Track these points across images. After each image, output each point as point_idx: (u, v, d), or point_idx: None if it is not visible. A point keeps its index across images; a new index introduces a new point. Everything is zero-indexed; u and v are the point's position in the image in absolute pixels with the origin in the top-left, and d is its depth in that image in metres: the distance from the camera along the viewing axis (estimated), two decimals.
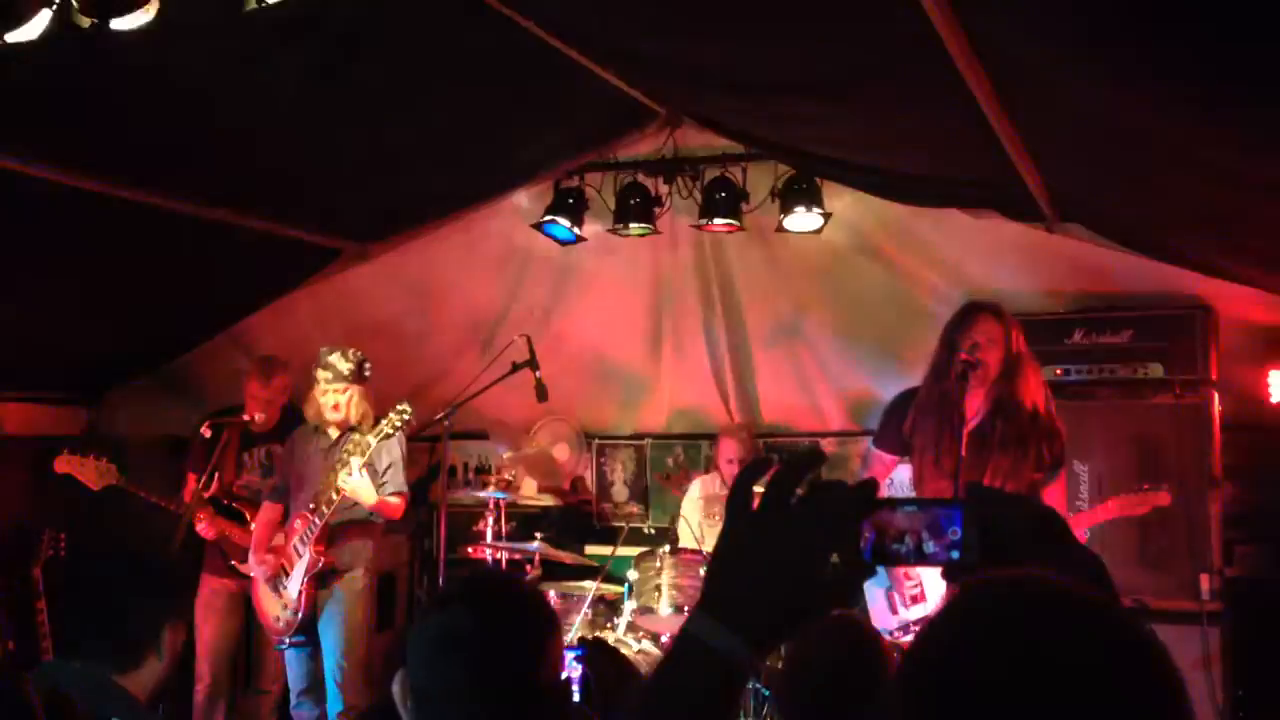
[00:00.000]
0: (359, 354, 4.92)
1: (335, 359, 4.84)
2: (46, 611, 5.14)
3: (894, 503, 1.05)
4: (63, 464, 5.05)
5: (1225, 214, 3.85)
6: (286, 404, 5.41)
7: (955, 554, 1.03)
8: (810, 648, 2.39)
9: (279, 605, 4.78)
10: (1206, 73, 2.62)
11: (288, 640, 4.82)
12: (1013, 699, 0.81)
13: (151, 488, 5.16)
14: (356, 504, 4.74)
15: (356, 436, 4.77)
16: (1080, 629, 0.85)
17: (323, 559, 4.71)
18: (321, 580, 4.76)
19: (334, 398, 4.85)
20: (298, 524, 4.75)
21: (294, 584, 4.73)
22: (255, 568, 4.88)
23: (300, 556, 4.71)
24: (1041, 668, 0.82)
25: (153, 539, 4.82)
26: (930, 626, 0.93)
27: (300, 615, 4.72)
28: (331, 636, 4.79)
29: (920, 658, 0.91)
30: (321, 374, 4.86)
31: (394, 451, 4.89)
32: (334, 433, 4.91)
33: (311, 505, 4.70)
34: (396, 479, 4.92)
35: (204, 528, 5.15)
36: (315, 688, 4.95)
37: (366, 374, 4.93)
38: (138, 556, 2.50)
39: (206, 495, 5.04)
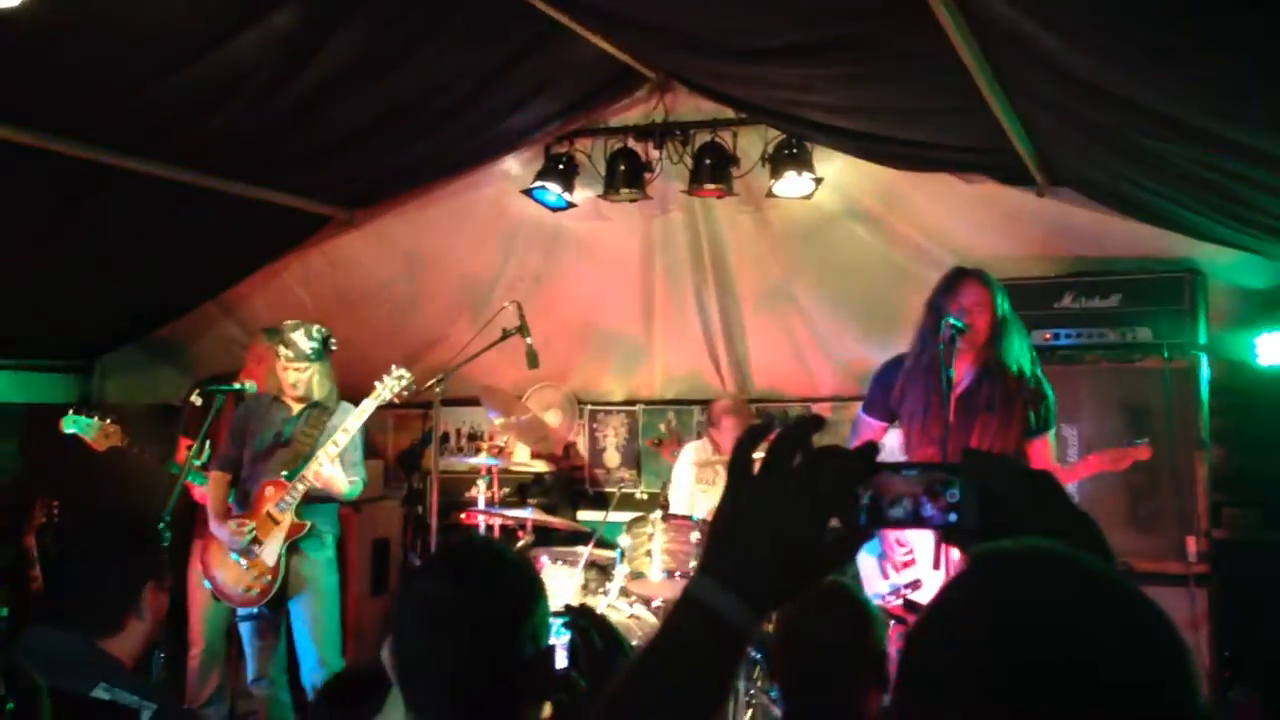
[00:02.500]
0: (324, 330, 4.85)
1: (298, 336, 4.78)
2: (41, 579, 5.13)
3: (894, 467, 1.06)
4: (69, 423, 4.99)
5: (1215, 178, 3.86)
6: None
7: (953, 517, 1.04)
8: (803, 613, 2.41)
9: (251, 574, 4.74)
10: (1198, 40, 2.62)
11: (256, 610, 4.81)
12: (1034, 672, 0.82)
13: (149, 453, 5.14)
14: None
15: (326, 418, 4.82)
16: (1095, 600, 0.86)
17: (303, 526, 4.73)
18: (293, 547, 4.76)
19: (294, 375, 4.80)
20: (269, 491, 4.73)
21: (271, 551, 4.71)
22: (225, 537, 4.78)
23: (278, 524, 4.71)
24: (1059, 640, 0.83)
25: (148, 504, 4.80)
26: (942, 601, 0.93)
27: (277, 582, 4.71)
28: (308, 607, 4.79)
29: (935, 632, 0.92)
30: (283, 351, 4.79)
31: (354, 427, 4.73)
32: (295, 406, 4.89)
33: (286, 473, 4.71)
34: (352, 460, 4.87)
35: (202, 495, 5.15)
36: (271, 665, 4.95)
37: (330, 350, 4.89)
38: (113, 520, 2.49)
39: (199, 462, 5.03)
